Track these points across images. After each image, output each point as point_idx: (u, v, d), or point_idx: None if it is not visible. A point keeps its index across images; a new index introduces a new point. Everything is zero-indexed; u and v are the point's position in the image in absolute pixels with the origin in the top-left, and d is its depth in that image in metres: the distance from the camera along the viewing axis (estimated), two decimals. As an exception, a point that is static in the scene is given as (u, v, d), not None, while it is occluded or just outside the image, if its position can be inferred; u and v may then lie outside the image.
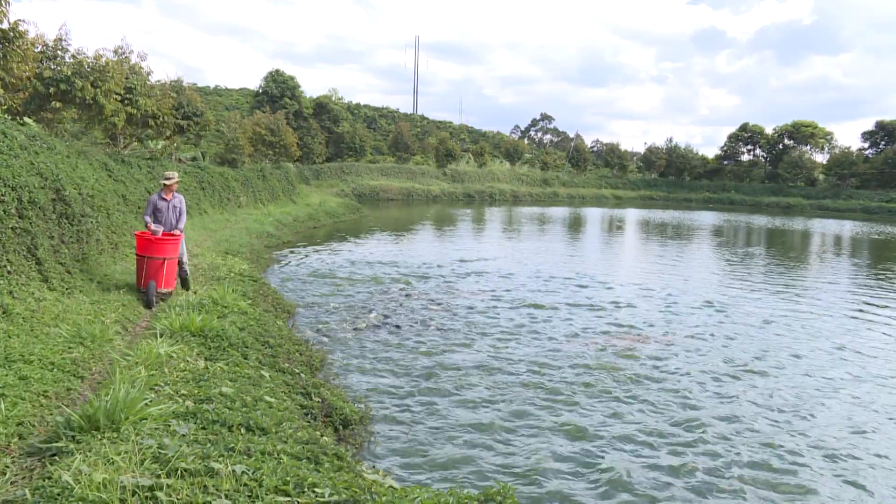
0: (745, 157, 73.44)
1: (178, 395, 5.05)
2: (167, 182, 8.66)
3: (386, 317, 10.98)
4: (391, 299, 12.55)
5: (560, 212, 45.98)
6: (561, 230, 30.75)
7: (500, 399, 7.21)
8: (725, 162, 74.10)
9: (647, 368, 8.42)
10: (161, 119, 19.68)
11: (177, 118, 23.41)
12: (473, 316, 11.21)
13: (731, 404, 7.30)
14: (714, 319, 11.78)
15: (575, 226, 34.78)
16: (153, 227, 8.40)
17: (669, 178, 74.52)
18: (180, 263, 9.13)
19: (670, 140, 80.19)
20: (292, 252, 19.35)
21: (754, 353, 9.47)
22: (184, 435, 4.24)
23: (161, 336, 6.74)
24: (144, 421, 4.41)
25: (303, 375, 7.08)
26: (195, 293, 9.20)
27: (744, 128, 73.23)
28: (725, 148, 74.16)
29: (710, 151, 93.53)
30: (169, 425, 4.37)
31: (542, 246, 23.47)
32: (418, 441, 6.21)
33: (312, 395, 6.46)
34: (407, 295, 12.99)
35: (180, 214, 8.74)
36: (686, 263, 20.06)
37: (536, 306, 12.25)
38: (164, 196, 8.74)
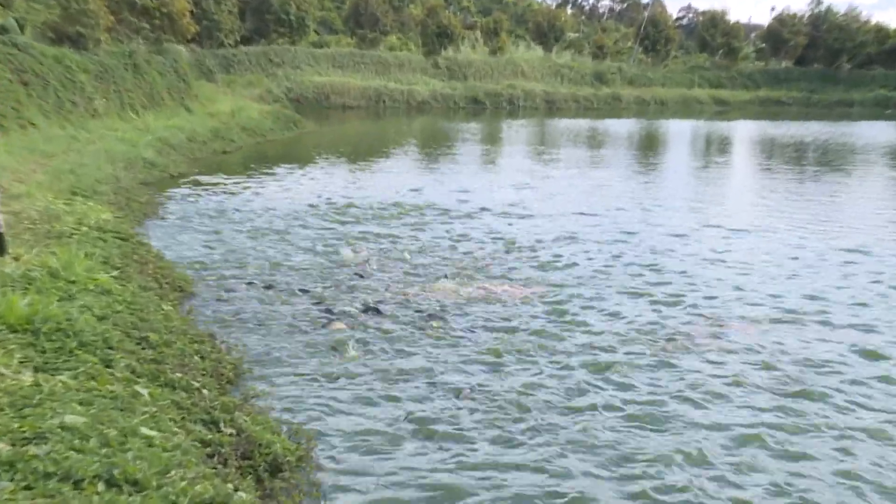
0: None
1: (-17, 432, 4.09)
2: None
3: (357, 300, 8.78)
4: (345, 272, 10.07)
5: (624, 127, 36.40)
6: (624, 159, 24.21)
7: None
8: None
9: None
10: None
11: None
12: (473, 309, 8.82)
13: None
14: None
15: (650, 150, 26.71)
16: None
17: (813, 66, 54.15)
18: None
19: (818, 2, 57.08)
20: (188, 192, 16.12)
21: None
22: (-7, 502, 3.45)
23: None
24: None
25: (206, 392, 5.67)
26: (16, 260, 7.27)
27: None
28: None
29: (893, 18, 73.28)
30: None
31: (597, 185, 18.64)
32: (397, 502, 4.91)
33: (222, 425, 5.12)
34: (373, 267, 10.42)
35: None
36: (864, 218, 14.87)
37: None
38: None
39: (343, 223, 13.15)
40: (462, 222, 13.59)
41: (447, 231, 12.81)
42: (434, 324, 7.98)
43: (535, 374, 6.71)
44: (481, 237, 12.30)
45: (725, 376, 6.74)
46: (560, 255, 11.11)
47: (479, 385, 6.42)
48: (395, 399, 6.17)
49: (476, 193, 16.84)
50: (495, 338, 7.61)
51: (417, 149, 25.71)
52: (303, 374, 6.69)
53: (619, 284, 9.62)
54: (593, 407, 6.08)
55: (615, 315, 8.42)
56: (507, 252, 11.27)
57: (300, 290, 9.12)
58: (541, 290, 9.35)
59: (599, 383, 6.56)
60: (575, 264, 10.59)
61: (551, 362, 7.02)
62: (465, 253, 11.15)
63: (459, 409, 6.01)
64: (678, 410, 6.02)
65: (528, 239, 12.20)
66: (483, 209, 14.89)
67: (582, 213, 14.55)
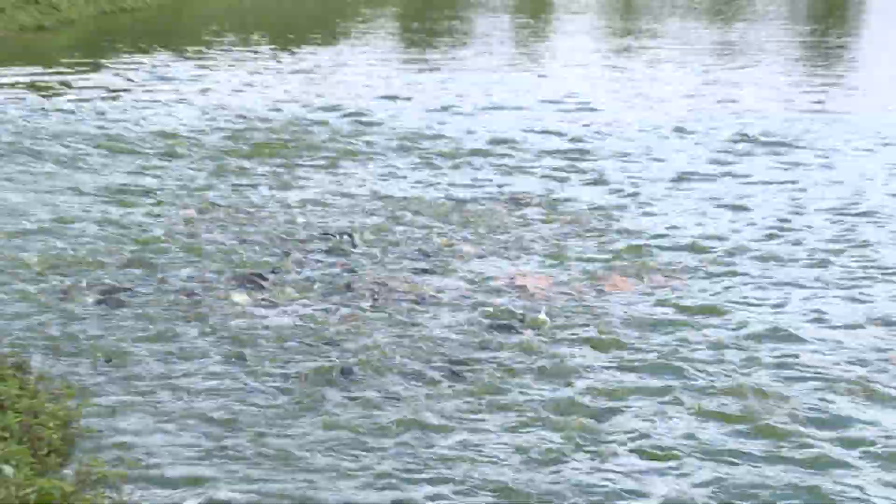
0: None
1: None
2: None
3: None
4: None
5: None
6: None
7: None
8: None
9: None
10: None
11: None
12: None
13: None
14: None
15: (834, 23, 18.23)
16: None
17: None
18: None
19: None
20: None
21: None
22: None
23: None
24: None
25: (7, 471, 3.32)
26: None
27: None
28: None
29: None
30: None
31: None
32: None
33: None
34: (324, 250, 6.58)
35: None
36: None
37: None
38: None
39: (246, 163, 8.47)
40: (471, 169, 8.76)
41: (440, 181, 8.23)
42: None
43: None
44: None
45: None
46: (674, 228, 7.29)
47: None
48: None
49: (499, 111, 11.05)
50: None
51: (398, 23, 17.39)
52: (194, 445, 3.95)
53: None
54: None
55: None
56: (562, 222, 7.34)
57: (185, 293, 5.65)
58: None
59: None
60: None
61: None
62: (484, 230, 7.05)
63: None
64: None
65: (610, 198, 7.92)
66: (510, 141, 9.61)
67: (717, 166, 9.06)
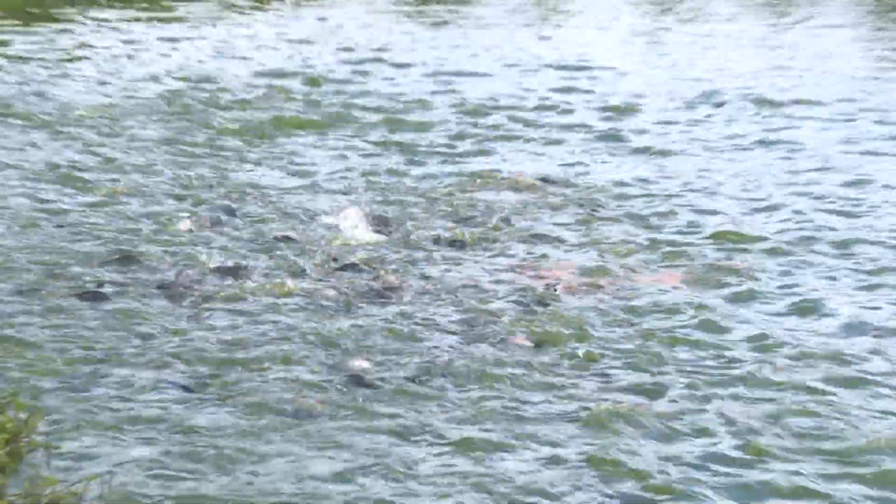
0: None
1: None
2: None
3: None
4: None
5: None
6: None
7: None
8: None
9: None
10: None
11: None
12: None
13: None
14: None
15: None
16: None
17: None
18: None
19: None
20: None
21: None
22: None
23: None
24: None
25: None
26: None
27: None
28: None
29: None
30: None
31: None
32: None
33: None
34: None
35: None
36: None
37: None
38: None
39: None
40: (486, 142, 7.81)
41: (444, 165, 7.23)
42: None
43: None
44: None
45: None
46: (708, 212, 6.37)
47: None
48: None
49: (518, 73, 9.78)
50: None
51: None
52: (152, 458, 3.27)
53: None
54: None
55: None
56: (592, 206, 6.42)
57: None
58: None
59: None
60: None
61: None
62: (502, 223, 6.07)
63: None
64: None
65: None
66: (532, 108, 8.57)
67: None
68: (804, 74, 10.48)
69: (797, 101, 9.18)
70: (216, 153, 7.33)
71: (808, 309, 4.85)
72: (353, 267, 5.21)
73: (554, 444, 3.47)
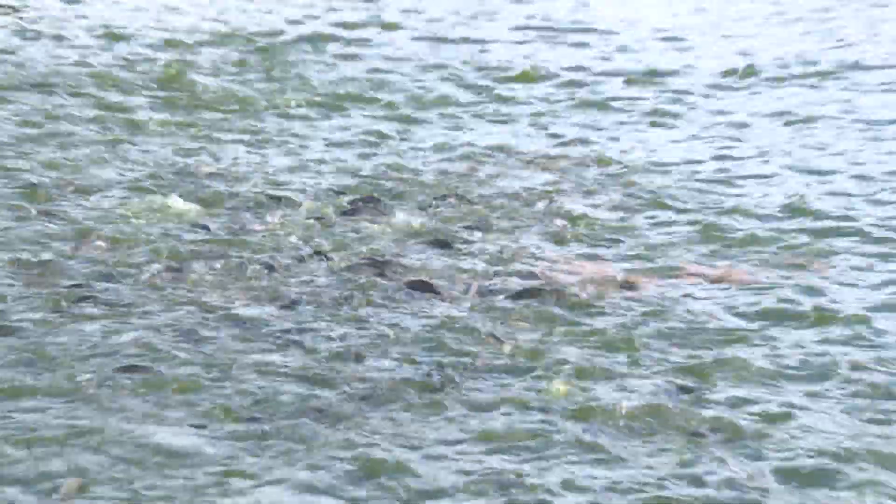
0: None
1: None
2: None
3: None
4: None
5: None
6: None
7: None
8: None
9: None
10: None
11: None
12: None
13: None
14: None
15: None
16: None
17: None
18: None
19: None
20: None
21: None
22: None
23: None
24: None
25: None
26: None
27: None
28: None
29: None
30: None
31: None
32: None
33: None
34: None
35: None
36: None
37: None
38: None
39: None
40: (509, 113, 6.90)
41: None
42: None
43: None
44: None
45: None
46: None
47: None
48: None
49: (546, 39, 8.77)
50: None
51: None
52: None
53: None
54: None
55: None
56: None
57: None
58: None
59: None
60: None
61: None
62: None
63: None
64: None
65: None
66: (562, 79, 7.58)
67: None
68: (861, 43, 9.19)
69: (858, 68, 8.09)
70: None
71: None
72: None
73: None
